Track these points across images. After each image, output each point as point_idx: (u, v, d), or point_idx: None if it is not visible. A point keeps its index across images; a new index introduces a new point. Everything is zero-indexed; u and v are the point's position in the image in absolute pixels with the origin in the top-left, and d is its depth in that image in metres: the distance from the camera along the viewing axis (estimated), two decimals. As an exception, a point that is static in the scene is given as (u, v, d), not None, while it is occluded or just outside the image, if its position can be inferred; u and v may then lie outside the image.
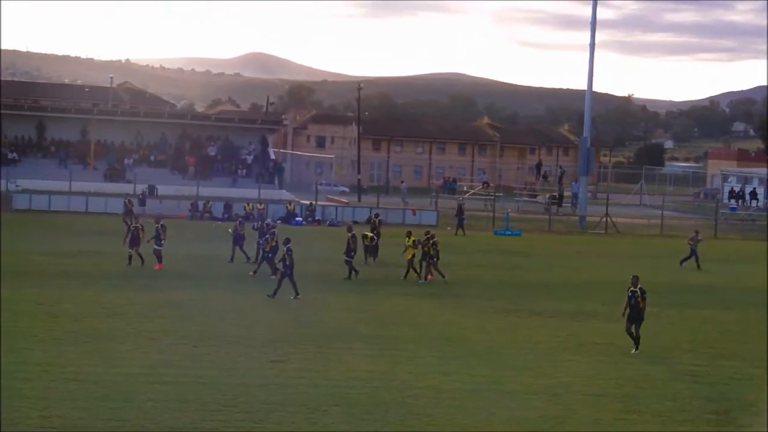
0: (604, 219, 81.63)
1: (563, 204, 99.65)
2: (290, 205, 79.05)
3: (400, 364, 28.10)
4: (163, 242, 45.78)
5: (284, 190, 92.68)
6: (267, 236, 44.75)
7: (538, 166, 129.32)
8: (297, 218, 75.85)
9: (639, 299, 30.96)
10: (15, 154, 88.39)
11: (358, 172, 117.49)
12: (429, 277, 46.58)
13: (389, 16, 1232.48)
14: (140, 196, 74.51)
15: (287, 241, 39.85)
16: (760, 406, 23.98)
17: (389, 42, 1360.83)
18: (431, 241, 46.63)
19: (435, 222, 79.82)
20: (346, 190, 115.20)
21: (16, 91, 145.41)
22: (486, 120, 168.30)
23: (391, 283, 45.67)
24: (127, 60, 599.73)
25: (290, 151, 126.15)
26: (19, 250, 49.17)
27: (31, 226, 62.96)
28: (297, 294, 38.80)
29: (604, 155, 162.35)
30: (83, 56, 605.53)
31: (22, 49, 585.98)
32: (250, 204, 73.10)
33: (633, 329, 31.05)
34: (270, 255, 44.00)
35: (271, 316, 35.49)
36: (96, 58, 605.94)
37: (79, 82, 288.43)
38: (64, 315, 33.39)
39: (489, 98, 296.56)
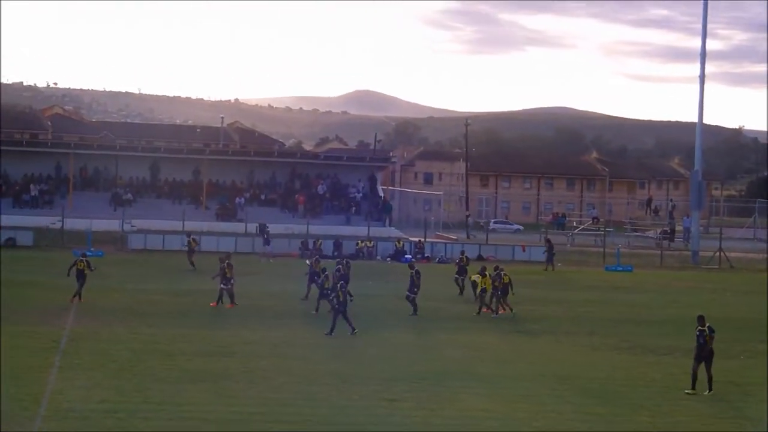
0: (717, 254, 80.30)
1: (675, 239, 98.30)
2: (399, 242, 79.21)
3: (516, 402, 27.90)
4: (232, 281, 45.43)
5: (393, 228, 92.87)
6: (326, 273, 44.79)
7: (649, 200, 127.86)
8: (406, 255, 75.87)
9: (707, 338, 30.28)
10: (130, 195, 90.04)
11: (467, 209, 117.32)
12: (500, 311, 46.68)
13: (495, 52, 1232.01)
14: (264, 235, 75.17)
15: (342, 277, 40.16)
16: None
17: (494, 77, 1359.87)
18: (500, 276, 46.85)
19: (545, 258, 79.29)
20: (521, 228, 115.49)
21: (130, 132, 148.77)
22: (594, 154, 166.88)
23: (501, 320, 45.43)
24: (236, 99, 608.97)
25: (398, 188, 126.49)
26: (135, 290, 50.02)
27: (146, 266, 63.98)
28: (353, 329, 38.83)
29: (716, 189, 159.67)
30: (194, 97, 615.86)
31: (135, 91, 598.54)
32: (361, 241, 73.61)
33: (698, 369, 30.17)
34: (327, 292, 43.83)
35: (383, 353, 35.50)
36: (206, 98, 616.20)
37: (190, 122, 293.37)
38: (180, 354, 33.80)
39: (596, 132, 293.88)
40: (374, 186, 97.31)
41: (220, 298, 45.48)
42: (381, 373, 31.58)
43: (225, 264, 45.56)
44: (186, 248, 64.37)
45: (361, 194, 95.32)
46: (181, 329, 39.14)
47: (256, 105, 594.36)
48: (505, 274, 47.32)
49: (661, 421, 26.57)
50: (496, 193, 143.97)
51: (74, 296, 45.62)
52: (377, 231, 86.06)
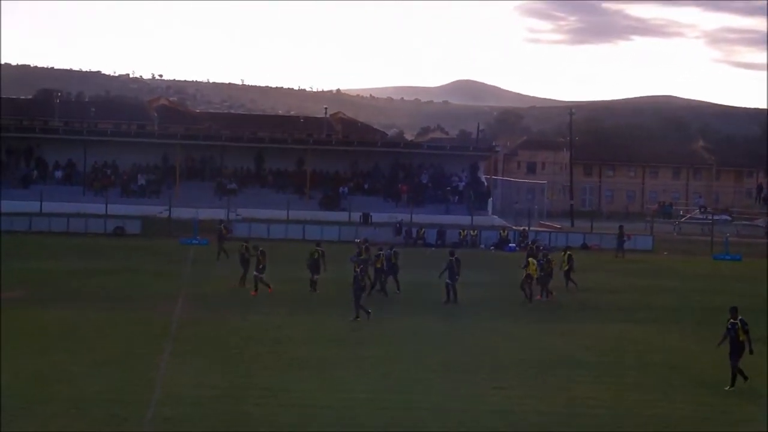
0: (830, 242, 78.66)
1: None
2: (503, 231, 78.94)
3: (625, 391, 27.61)
4: (261, 267, 45.48)
5: (495, 216, 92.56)
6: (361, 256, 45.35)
7: (759, 188, 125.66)
8: (510, 244, 75.60)
9: (739, 331, 28.59)
10: (234, 184, 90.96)
11: (571, 198, 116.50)
12: (549, 296, 46.71)
13: (598, 41, 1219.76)
14: (398, 225, 76.06)
15: (361, 261, 40.39)
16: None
17: (597, 66, 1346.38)
18: (548, 260, 47.15)
19: (651, 247, 78.60)
20: (729, 218, 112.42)
21: (234, 123, 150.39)
22: (701, 143, 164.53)
23: (605, 309, 45.05)
24: (338, 90, 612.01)
25: (501, 177, 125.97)
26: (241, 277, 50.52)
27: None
28: (356, 317, 38.78)
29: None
30: (296, 87, 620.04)
31: (238, 82, 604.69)
32: (464, 230, 73.53)
33: (737, 364, 28.56)
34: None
35: (489, 342, 35.38)
36: (308, 89, 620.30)
37: (292, 113, 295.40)
38: (287, 341, 34.06)
39: (702, 120, 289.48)
40: (476, 175, 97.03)
41: (256, 286, 45.63)
42: (488, 361, 31.50)
43: (258, 252, 45.93)
44: (217, 236, 63.04)
45: (463, 183, 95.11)
46: (290, 316, 39.49)
47: (358, 95, 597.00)
48: (550, 259, 47.30)
49: (776, 410, 26.10)
50: (600, 182, 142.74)
51: (240, 281, 47.43)
52: (480, 220, 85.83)
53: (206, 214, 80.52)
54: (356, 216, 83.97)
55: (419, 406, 25.24)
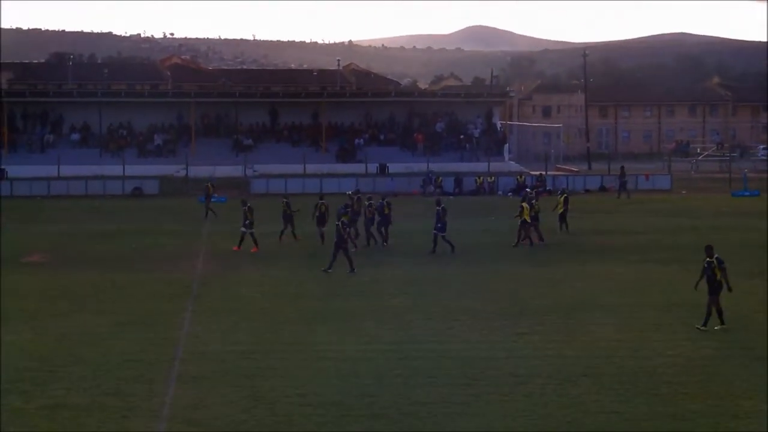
0: None
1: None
2: (520, 176, 78.82)
3: (647, 332, 27.65)
4: (247, 222, 45.11)
5: (512, 162, 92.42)
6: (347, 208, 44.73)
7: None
8: (527, 189, 75.43)
9: (715, 270, 28.02)
10: (250, 140, 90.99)
11: (587, 140, 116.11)
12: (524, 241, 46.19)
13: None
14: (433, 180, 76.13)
15: (347, 212, 40.32)
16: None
17: (609, 5, 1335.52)
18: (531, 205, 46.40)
19: (669, 186, 78.49)
20: None
21: (247, 79, 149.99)
22: (716, 79, 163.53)
23: (625, 250, 45.01)
24: (350, 41, 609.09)
25: (516, 123, 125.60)
26: (261, 233, 50.56)
27: (270, 209, 64.41)
28: (329, 268, 38.59)
29: None
30: (307, 41, 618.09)
31: (249, 37, 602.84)
32: (481, 177, 73.55)
33: (713, 304, 28.06)
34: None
35: (509, 288, 35.44)
36: (320, 41, 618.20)
37: (305, 66, 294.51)
38: (309, 295, 34.20)
39: (717, 57, 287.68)
40: (492, 121, 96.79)
41: (240, 242, 45.27)
42: (509, 307, 31.58)
43: (246, 208, 45.43)
44: (204, 194, 62.21)
45: (478, 130, 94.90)
46: (310, 271, 39.56)
47: (370, 46, 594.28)
48: (536, 203, 46.98)
49: (800, 346, 26.11)
50: (616, 123, 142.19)
51: (280, 235, 47.97)
52: (497, 166, 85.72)
53: (223, 171, 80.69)
54: (373, 167, 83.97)
55: (442, 355, 25.33)
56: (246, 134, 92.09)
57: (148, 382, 22.96)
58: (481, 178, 77.48)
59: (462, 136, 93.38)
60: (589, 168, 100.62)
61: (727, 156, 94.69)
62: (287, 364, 24.60)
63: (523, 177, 78.83)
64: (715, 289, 28.18)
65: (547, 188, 76.60)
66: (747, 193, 73.04)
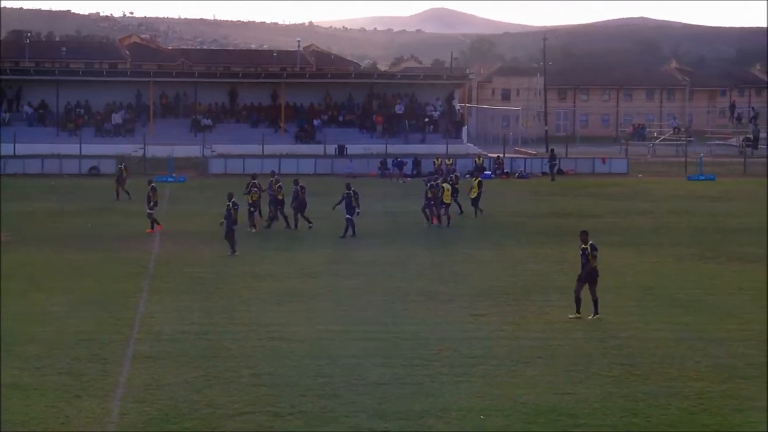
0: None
1: (758, 146, 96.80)
2: (479, 159, 78.98)
3: (602, 314, 27.79)
4: (152, 204, 44.56)
5: (471, 144, 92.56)
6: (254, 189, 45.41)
7: (732, 106, 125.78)
8: (486, 172, 75.64)
9: (590, 257, 27.52)
10: (209, 120, 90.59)
11: (545, 124, 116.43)
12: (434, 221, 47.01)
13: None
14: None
15: (230, 196, 39.70)
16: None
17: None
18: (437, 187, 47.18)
19: (626, 170, 78.93)
20: None
21: (207, 59, 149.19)
22: (674, 64, 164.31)
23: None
24: (311, 23, 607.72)
25: (476, 105, 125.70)
26: (218, 213, 50.35)
27: (228, 189, 64.15)
28: (233, 252, 38.57)
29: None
30: (268, 21, 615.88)
31: (209, 17, 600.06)
32: (439, 159, 73.65)
33: (581, 291, 27.55)
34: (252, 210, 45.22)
35: (466, 270, 35.62)
36: (280, 22, 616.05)
37: (265, 47, 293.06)
38: (265, 275, 34.21)
39: (675, 42, 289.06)
40: (451, 104, 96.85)
41: (152, 224, 44.91)
42: (466, 289, 31.73)
43: (150, 188, 44.86)
44: (116, 177, 60.97)
45: (438, 113, 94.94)
46: (266, 251, 39.57)
47: (331, 27, 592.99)
48: (443, 186, 47.24)
49: (753, 328, 26.42)
50: (575, 106, 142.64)
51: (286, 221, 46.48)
52: (455, 148, 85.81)
53: (182, 151, 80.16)
54: (331, 149, 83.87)
55: (397, 336, 25.44)
56: (205, 114, 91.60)
57: (102, 362, 22.93)
58: (440, 159, 77.51)
59: (424, 118, 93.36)
60: (547, 151, 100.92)
61: (684, 140, 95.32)
62: (242, 344, 24.64)
63: (481, 159, 78.97)
64: (589, 276, 27.62)
65: (505, 171, 76.88)
66: (702, 177, 73.59)
